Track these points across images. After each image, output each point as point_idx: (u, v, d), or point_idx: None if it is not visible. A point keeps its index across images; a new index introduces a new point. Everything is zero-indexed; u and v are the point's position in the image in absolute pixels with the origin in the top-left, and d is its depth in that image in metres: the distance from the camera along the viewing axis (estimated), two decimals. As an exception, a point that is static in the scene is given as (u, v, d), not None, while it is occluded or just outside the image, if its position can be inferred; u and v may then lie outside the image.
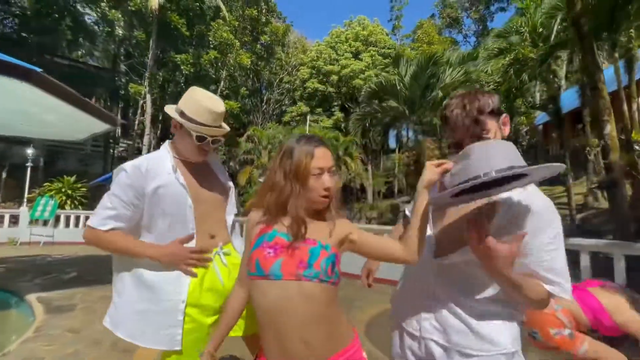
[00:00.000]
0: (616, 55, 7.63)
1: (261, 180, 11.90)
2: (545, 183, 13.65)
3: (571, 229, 8.16)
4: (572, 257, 4.09)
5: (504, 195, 0.91)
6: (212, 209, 1.35)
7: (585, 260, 3.71)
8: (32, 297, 3.97)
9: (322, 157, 0.92)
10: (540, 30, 8.18)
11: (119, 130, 22.55)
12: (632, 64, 8.65)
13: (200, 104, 1.27)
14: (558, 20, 6.38)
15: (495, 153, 0.81)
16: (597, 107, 3.97)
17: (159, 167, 1.26)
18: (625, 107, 7.55)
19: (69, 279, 5.22)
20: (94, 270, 5.82)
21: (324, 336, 0.83)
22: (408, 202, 13.31)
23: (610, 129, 3.83)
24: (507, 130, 1.03)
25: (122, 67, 21.22)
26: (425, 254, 0.97)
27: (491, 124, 0.99)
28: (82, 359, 2.51)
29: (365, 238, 0.97)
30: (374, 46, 23.37)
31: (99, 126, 5.21)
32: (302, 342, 0.81)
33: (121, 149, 23.34)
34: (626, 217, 3.73)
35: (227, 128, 1.38)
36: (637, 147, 8.14)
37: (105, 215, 1.21)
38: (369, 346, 2.94)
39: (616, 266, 3.51)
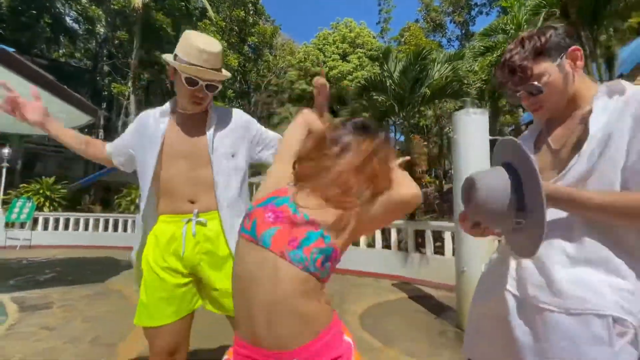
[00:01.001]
0: (597, 52, 7.84)
1: (251, 180, 11.69)
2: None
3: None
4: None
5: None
6: (192, 169, 1.22)
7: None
8: (5, 297, 3.69)
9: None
10: (525, 27, 8.35)
11: (102, 133, 21.90)
12: (612, 62, 8.93)
13: (191, 42, 1.16)
14: (542, 17, 6.52)
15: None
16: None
17: (155, 114, 1.27)
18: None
19: (46, 279, 4.92)
20: (73, 272, 5.53)
21: (289, 327, 0.71)
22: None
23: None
24: (579, 66, 0.86)
25: (105, 68, 20.71)
26: None
27: (541, 67, 0.84)
28: (59, 355, 2.30)
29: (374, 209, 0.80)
30: (361, 48, 23.55)
31: (80, 118, 4.98)
32: (266, 322, 0.71)
33: (104, 152, 22.69)
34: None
35: (227, 74, 1.26)
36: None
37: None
38: (362, 334, 2.89)
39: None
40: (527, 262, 0.86)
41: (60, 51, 19.75)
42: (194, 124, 1.25)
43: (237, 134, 1.30)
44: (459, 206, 3.34)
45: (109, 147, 1.37)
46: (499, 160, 0.89)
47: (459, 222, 0.95)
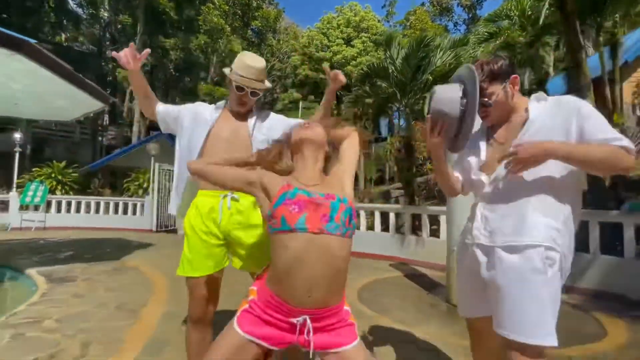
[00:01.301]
0: (600, 39, 7.83)
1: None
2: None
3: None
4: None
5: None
6: (232, 152, 1.47)
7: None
8: (32, 271, 4.03)
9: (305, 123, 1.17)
10: (530, 13, 8.31)
11: (107, 118, 22.10)
12: (616, 49, 8.89)
13: (243, 59, 1.54)
14: (547, 3, 6.50)
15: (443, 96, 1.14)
16: (579, 85, 4.17)
17: (211, 107, 1.66)
18: (607, 91, 7.81)
19: (66, 257, 5.27)
20: (89, 251, 5.88)
21: (327, 289, 0.93)
22: (399, 188, 13.51)
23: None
24: (517, 89, 1.18)
25: (108, 52, 20.71)
26: (474, 181, 1.21)
27: (492, 88, 1.16)
28: (91, 317, 2.62)
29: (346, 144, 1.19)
30: (365, 32, 23.23)
31: (93, 104, 5.20)
32: (327, 290, 0.93)
33: (110, 136, 22.92)
34: (602, 188, 3.96)
35: (268, 85, 1.62)
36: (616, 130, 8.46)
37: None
38: (360, 306, 3.15)
39: (591, 232, 3.76)
40: (485, 217, 1.17)
41: (64, 36, 19.73)
42: (239, 118, 1.61)
43: (273, 126, 1.63)
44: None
45: (160, 107, 1.65)
46: (455, 80, 1.22)
47: (424, 136, 1.30)
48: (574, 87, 4.27)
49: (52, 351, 2.03)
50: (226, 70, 1.62)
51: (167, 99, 23.89)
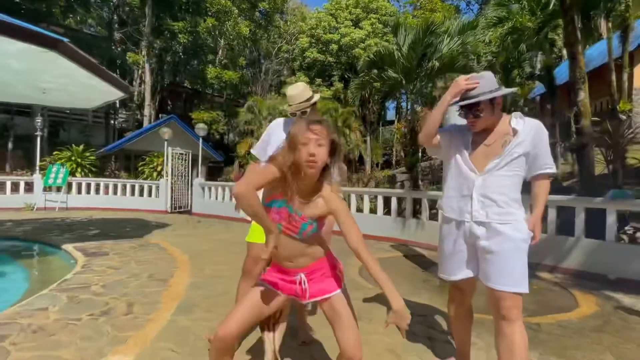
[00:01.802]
0: (609, 25, 7.77)
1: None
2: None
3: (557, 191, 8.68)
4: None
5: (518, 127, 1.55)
6: None
7: (552, 214, 4.25)
8: (69, 246, 4.52)
9: (312, 130, 1.29)
10: (538, -3, 8.26)
11: (118, 102, 22.49)
12: (627, 34, 8.79)
13: (287, 94, 2.09)
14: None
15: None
16: (574, 76, 4.32)
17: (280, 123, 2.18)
18: (613, 77, 7.83)
19: (94, 234, 5.78)
20: (113, 229, 6.39)
21: (306, 259, 1.37)
22: (405, 172, 13.75)
23: (583, 96, 4.20)
24: (498, 106, 1.57)
25: (117, 36, 20.83)
26: (467, 173, 1.60)
27: (483, 106, 1.54)
28: (128, 284, 3.07)
29: (343, 219, 1.35)
30: (374, 13, 22.79)
31: (114, 94, 5.56)
32: (288, 260, 1.37)
33: (121, 119, 23.40)
34: (591, 176, 4.19)
35: (316, 97, 2.07)
36: (622, 117, 8.51)
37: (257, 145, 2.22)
38: (360, 280, 3.55)
39: (577, 217, 4.05)
40: (482, 201, 1.56)
41: (75, 18, 19.85)
42: None
43: None
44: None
45: (253, 150, 2.24)
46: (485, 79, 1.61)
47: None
48: (572, 79, 4.42)
49: (104, 309, 2.47)
50: (286, 106, 2.19)
51: (175, 81, 24.14)
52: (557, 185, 7.85)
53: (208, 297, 2.84)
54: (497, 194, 1.52)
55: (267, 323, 1.49)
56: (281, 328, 1.52)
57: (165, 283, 3.15)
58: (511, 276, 1.46)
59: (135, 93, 20.59)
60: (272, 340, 1.47)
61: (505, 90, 1.58)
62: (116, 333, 2.10)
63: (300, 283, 1.35)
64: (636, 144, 6.33)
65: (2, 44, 3.49)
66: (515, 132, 1.53)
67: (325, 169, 1.33)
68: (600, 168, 5.87)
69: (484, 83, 1.52)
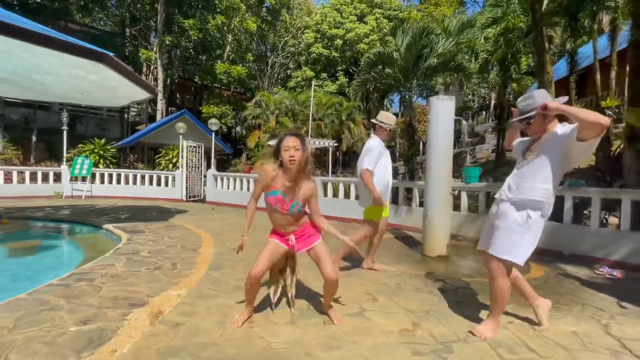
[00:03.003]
0: (595, 27, 8.26)
1: (270, 143, 13.02)
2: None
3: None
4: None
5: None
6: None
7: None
8: (109, 226, 5.37)
9: (290, 141, 2.09)
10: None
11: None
12: (615, 34, 9.26)
13: (388, 117, 3.53)
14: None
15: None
16: (543, 81, 4.93)
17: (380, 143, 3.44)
18: (597, 76, 8.35)
19: (125, 217, 6.63)
20: (140, 214, 7.24)
21: (295, 227, 2.20)
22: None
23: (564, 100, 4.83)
24: (550, 119, 2.05)
25: (128, 32, 21.60)
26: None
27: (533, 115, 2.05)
28: (168, 252, 3.88)
29: (312, 200, 2.21)
30: (379, 8, 23.16)
31: (140, 94, 6.34)
32: (283, 228, 2.20)
33: (133, 113, 24.34)
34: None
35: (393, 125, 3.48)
36: (609, 113, 9.04)
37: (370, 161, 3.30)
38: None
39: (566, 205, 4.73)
40: (509, 184, 2.17)
41: (91, 16, 20.62)
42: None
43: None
44: (430, 170, 4.57)
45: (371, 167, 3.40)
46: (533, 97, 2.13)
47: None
48: (540, 85, 5.03)
49: (155, 266, 3.28)
50: (374, 120, 3.58)
51: (184, 76, 24.90)
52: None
53: (231, 260, 3.64)
54: (522, 180, 2.06)
55: (281, 272, 2.36)
56: (292, 278, 2.39)
57: (196, 252, 3.96)
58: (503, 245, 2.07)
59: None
60: (286, 283, 2.39)
61: (531, 113, 2.03)
62: (170, 279, 2.91)
63: (290, 241, 2.20)
64: (619, 138, 6.92)
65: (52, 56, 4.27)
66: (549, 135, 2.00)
67: (305, 165, 2.13)
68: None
69: (530, 101, 2.03)
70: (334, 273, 2.10)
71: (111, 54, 4.27)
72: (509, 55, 11.61)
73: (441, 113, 4.49)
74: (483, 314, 2.50)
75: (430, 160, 4.58)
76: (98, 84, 5.63)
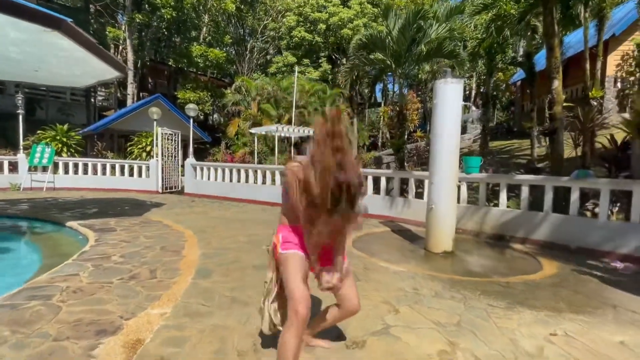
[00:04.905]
0: (586, 15, 8.18)
1: (252, 131, 12.33)
2: (516, 137, 14.78)
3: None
4: (517, 189, 5.12)
5: None
6: None
7: (525, 192, 4.73)
8: (73, 224, 4.69)
9: None
10: (523, -14, 8.54)
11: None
12: (602, 23, 9.26)
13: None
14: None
15: None
16: (550, 65, 4.71)
17: None
18: (587, 65, 8.33)
19: (93, 212, 5.91)
20: (110, 208, 6.52)
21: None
22: (391, 154, 14.18)
23: (557, 84, 4.61)
24: None
25: (93, 8, 19.78)
26: None
27: None
28: (145, 255, 3.33)
29: None
30: (363, -8, 22.47)
31: (108, 72, 5.57)
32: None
33: (100, 98, 22.59)
34: (561, 158, 4.68)
35: None
36: (593, 103, 9.11)
37: None
38: (354, 251, 3.92)
39: (546, 195, 4.55)
40: None
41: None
42: None
43: None
44: (434, 159, 4.24)
45: None
46: None
47: None
48: (548, 68, 4.81)
49: (130, 275, 2.75)
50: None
51: (156, 58, 23.30)
52: (530, 167, 8.47)
53: (221, 264, 3.16)
54: None
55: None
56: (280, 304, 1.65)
57: (179, 254, 3.44)
58: None
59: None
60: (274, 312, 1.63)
61: None
62: (148, 292, 2.40)
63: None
64: (605, 128, 6.89)
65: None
66: None
67: None
68: (572, 151, 6.42)
69: None
70: (359, 303, 1.65)
71: (69, 20, 3.57)
72: (495, 44, 11.49)
73: (448, 98, 4.14)
74: (515, 323, 2.20)
75: (436, 149, 4.24)
76: (54, 60, 4.85)
